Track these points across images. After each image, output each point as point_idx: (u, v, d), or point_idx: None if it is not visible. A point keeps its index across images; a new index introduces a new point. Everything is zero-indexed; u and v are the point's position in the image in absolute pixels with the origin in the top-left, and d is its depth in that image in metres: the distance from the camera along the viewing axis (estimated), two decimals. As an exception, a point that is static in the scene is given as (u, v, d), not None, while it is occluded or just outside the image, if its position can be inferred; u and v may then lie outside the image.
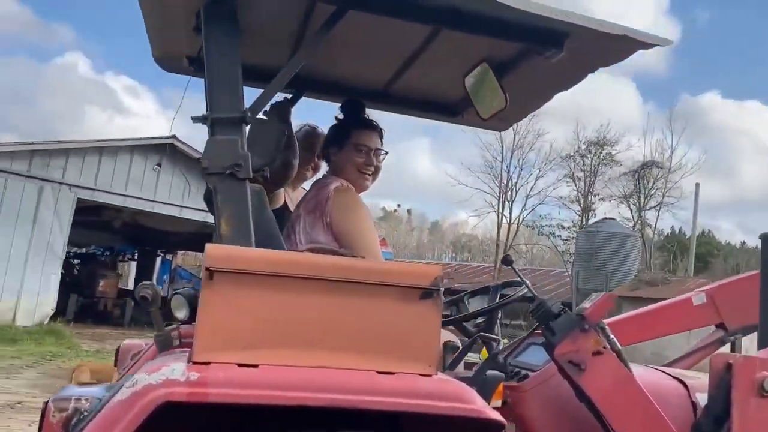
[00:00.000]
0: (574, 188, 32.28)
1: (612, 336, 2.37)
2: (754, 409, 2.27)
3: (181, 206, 17.21)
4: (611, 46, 2.31)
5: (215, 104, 2.13)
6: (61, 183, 15.44)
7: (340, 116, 2.89)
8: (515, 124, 3.57)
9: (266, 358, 1.73)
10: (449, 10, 2.18)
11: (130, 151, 16.32)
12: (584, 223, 30.29)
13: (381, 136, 2.84)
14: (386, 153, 2.81)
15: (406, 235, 62.03)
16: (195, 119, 2.14)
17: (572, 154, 31.97)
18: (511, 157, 33.24)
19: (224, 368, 1.70)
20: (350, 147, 2.76)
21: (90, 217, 17.79)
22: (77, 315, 18.26)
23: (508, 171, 33.44)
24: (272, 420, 1.77)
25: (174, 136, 15.88)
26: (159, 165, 16.65)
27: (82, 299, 19.52)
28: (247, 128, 2.21)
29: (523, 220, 33.84)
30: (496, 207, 33.17)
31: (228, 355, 1.72)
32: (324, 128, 3.64)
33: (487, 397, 1.99)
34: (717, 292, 3.03)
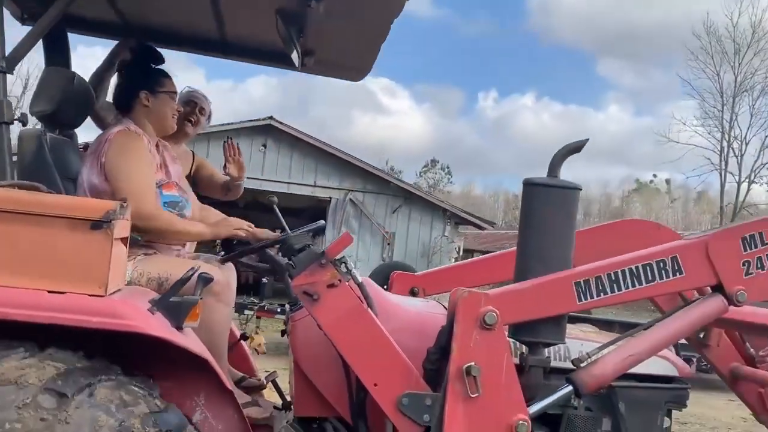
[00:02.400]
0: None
1: (354, 270, 2.49)
2: (475, 340, 2.31)
3: (288, 182, 18.19)
4: None
5: None
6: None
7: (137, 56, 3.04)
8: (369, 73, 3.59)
9: None
10: None
11: (236, 135, 17.45)
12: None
13: None
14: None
15: (665, 209, 53.82)
16: None
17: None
18: (733, 102, 29.53)
19: None
20: (164, 95, 2.95)
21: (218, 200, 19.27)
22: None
23: (730, 120, 29.21)
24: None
25: (271, 117, 16.81)
26: (264, 146, 17.70)
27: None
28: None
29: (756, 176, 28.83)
30: (718, 165, 29.02)
31: None
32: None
33: (177, 318, 2.22)
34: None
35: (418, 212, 19.81)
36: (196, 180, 4.01)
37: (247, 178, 15.26)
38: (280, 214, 2.64)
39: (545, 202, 2.55)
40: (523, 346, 2.58)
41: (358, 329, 2.43)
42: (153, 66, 3.00)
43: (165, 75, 3.00)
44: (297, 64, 3.21)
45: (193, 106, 3.98)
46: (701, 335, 3.48)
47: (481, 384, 2.30)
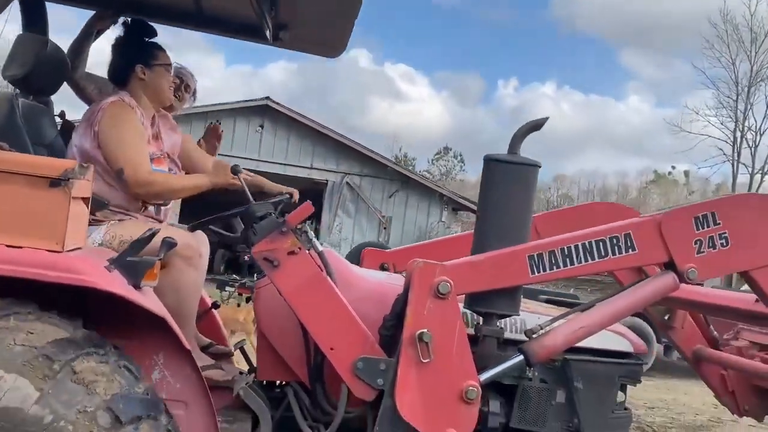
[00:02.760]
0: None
1: (313, 238, 2.55)
2: (429, 308, 2.37)
3: (284, 164, 18.24)
4: None
5: None
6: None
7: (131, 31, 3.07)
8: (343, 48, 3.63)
9: None
10: None
11: (233, 115, 17.50)
12: None
13: None
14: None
15: (683, 201, 54.18)
16: None
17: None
18: (748, 93, 29.14)
19: None
20: (161, 68, 3.02)
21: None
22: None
23: (745, 111, 28.89)
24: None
25: (268, 98, 16.85)
26: (261, 126, 17.74)
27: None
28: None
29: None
30: (731, 155, 28.89)
31: None
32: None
33: (134, 277, 2.28)
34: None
35: (416, 197, 19.88)
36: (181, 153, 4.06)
37: (244, 158, 15.36)
38: (244, 184, 2.68)
39: (505, 178, 2.60)
40: (479, 317, 2.64)
41: (316, 295, 2.49)
42: (146, 39, 3.05)
43: (159, 48, 3.06)
44: (269, 38, 3.25)
45: (179, 82, 4.00)
46: (666, 317, 3.56)
47: (433, 350, 2.36)
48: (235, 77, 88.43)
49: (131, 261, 2.26)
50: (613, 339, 2.99)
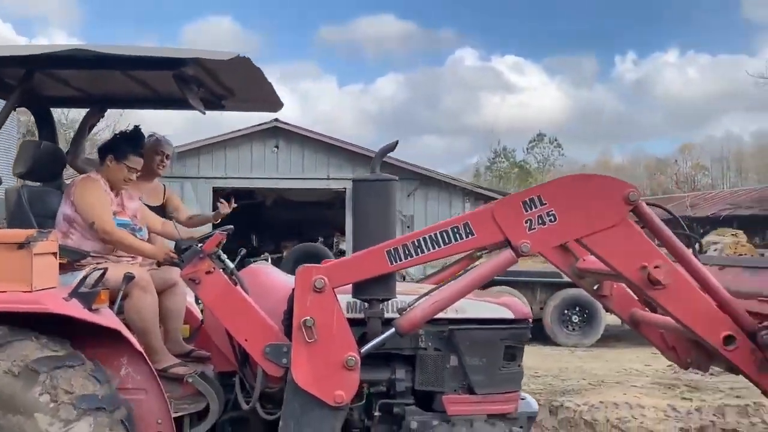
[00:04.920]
0: None
1: (225, 260, 3.36)
2: (310, 300, 3.11)
3: (303, 178, 19.22)
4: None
5: None
6: (197, 178, 18.17)
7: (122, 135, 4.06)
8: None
9: None
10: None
11: (249, 140, 18.61)
12: None
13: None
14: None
15: None
16: None
17: None
18: None
19: None
20: (123, 165, 3.93)
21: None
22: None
23: None
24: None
25: (277, 119, 17.87)
26: (277, 147, 18.78)
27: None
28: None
29: None
30: None
31: None
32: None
33: (87, 303, 3.11)
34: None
35: (436, 193, 20.53)
36: (166, 207, 4.89)
37: (264, 178, 16.50)
38: (178, 230, 3.54)
39: (368, 193, 3.33)
40: (364, 303, 3.36)
41: (229, 302, 3.29)
42: (130, 144, 3.97)
43: (135, 152, 3.96)
44: (202, 111, 4.09)
45: (161, 154, 4.76)
46: (595, 287, 3.81)
47: (316, 332, 3.11)
48: (348, 97, 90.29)
49: (83, 292, 3.10)
50: (495, 308, 3.60)
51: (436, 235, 3.20)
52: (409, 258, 3.20)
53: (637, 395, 7.41)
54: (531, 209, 3.14)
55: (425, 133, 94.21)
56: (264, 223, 26.96)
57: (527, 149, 57.65)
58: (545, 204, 3.12)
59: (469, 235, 3.19)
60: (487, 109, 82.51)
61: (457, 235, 3.19)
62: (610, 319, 11.82)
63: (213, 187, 18.38)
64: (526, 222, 3.15)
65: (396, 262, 3.19)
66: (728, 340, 3.06)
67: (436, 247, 3.20)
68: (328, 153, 19.16)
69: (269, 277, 3.70)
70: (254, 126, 18.70)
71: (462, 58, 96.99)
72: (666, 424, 6.11)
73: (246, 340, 3.27)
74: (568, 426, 5.80)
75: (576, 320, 12.03)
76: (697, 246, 3.40)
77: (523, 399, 3.78)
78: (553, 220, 3.13)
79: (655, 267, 3.01)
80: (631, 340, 11.72)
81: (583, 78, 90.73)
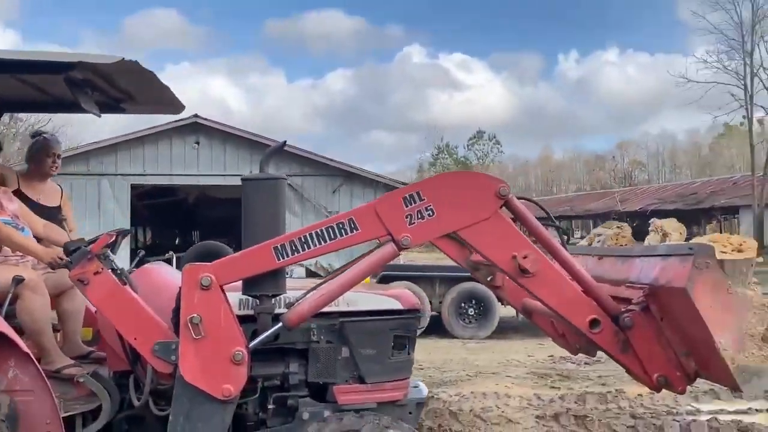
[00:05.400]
0: None
1: (114, 261, 3.38)
2: (197, 298, 3.17)
3: (224, 175, 19.01)
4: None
5: None
6: (115, 175, 17.72)
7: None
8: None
9: None
10: None
11: (169, 135, 18.26)
12: None
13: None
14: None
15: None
16: None
17: None
18: (753, 33, 28.46)
19: None
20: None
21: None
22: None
23: (751, 51, 27.92)
24: None
25: (196, 115, 17.65)
26: (197, 143, 18.49)
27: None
28: None
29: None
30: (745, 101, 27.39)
31: None
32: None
33: None
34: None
35: (360, 189, 20.67)
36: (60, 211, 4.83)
37: (185, 175, 16.30)
38: (67, 232, 3.54)
39: (257, 190, 3.41)
40: (255, 300, 3.44)
41: (117, 301, 3.31)
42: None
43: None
44: (97, 114, 4.10)
45: (53, 155, 4.70)
46: (489, 278, 3.94)
47: (204, 329, 3.17)
48: (297, 92, 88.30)
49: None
50: (384, 300, 3.77)
51: (322, 231, 3.30)
52: (296, 254, 3.29)
53: (508, 385, 7.65)
54: (411, 204, 3.26)
55: (374, 128, 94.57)
56: (190, 221, 26.43)
57: (467, 146, 58.60)
58: (424, 200, 3.24)
59: (354, 230, 3.31)
60: (435, 106, 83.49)
61: (342, 231, 3.30)
62: (504, 312, 12.23)
63: (131, 184, 17.97)
64: (406, 217, 3.26)
65: (283, 258, 3.28)
66: (593, 323, 3.29)
67: (322, 242, 3.31)
68: (251, 149, 19.00)
69: (161, 276, 3.73)
70: (173, 122, 18.37)
71: (410, 55, 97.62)
72: (525, 412, 6.22)
73: (135, 338, 3.30)
74: (433, 417, 5.93)
75: (472, 313, 12.31)
76: (565, 237, 3.63)
77: (415, 387, 3.96)
78: (431, 214, 3.25)
79: (524, 257, 3.21)
80: (524, 332, 12.15)
81: (528, 76, 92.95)
